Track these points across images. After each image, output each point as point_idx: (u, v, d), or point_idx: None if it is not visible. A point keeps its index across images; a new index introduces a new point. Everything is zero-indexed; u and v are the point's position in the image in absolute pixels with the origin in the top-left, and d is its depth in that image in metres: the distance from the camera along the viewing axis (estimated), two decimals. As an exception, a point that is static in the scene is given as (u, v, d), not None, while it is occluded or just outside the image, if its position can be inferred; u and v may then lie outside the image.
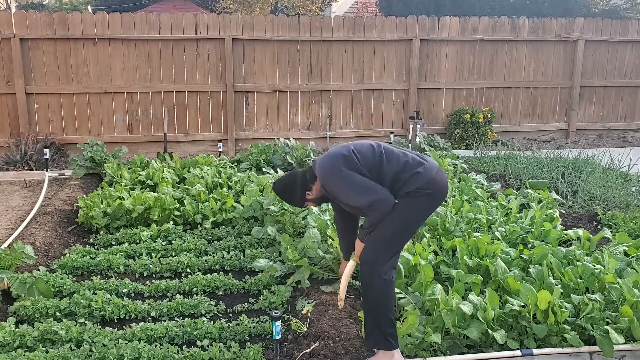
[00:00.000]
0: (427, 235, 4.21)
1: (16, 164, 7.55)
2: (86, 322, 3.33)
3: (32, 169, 7.48)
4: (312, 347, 2.95)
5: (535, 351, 2.96)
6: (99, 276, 4.06)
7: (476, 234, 4.10)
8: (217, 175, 6.30)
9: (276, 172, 6.60)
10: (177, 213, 5.19)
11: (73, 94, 8.10)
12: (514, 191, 5.72)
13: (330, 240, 4.01)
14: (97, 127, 8.25)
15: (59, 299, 3.58)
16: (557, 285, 3.26)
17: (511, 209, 4.97)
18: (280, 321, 2.84)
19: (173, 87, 8.37)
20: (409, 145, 8.12)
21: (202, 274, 3.98)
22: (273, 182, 3.22)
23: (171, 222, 5.08)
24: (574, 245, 4.16)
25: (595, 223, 5.27)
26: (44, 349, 3.00)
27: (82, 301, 3.46)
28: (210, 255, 4.48)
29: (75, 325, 3.21)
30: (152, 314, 3.48)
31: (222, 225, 5.15)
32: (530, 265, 3.62)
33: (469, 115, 8.87)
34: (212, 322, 3.33)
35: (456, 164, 6.88)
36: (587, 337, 3.07)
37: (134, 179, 6.21)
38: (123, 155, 7.39)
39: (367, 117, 9.14)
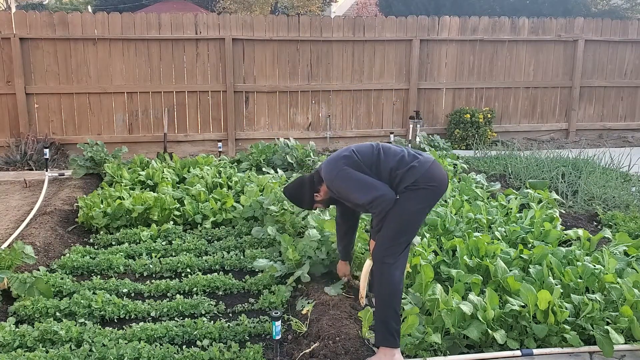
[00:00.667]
0: (427, 235, 4.21)
1: (16, 164, 7.55)
2: (86, 322, 3.33)
3: (32, 169, 7.48)
4: (312, 347, 2.95)
5: (535, 351, 2.96)
6: (99, 276, 4.06)
7: (476, 234, 4.10)
8: (217, 175, 6.30)
9: (276, 172, 6.60)
10: (177, 213, 5.19)
11: (73, 94, 8.10)
12: (514, 191, 5.71)
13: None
14: (97, 127, 8.25)
15: (59, 299, 3.58)
16: (557, 285, 3.25)
17: (511, 209, 4.97)
18: (280, 321, 2.84)
19: (173, 87, 8.37)
20: (409, 145, 8.12)
21: (202, 274, 3.98)
22: (283, 187, 3.42)
23: (171, 222, 5.08)
24: (574, 245, 4.16)
25: (595, 223, 5.27)
26: (44, 349, 3.00)
27: (82, 301, 3.46)
28: (210, 255, 4.48)
29: (75, 325, 3.21)
30: (152, 314, 3.48)
31: (222, 225, 5.15)
32: (530, 265, 3.62)
33: (469, 115, 8.87)
34: (212, 322, 3.33)
35: (456, 164, 6.88)
36: (587, 337, 3.07)
37: (134, 179, 6.21)
38: (123, 155, 7.39)
39: (367, 117, 9.14)
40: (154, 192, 5.64)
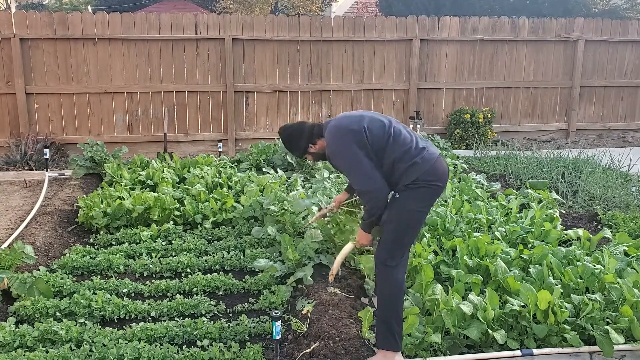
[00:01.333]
0: (427, 235, 4.21)
1: (16, 164, 7.55)
2: (86, 322, 3.33)
3: (32, 169, 7.48)
4: (312, 347, 2.95)
5: (535, 351, 2.96)
6: (99, 276, 4.06)
7: (476, 234, 4.10)
8: (217, 175, 6.30)
9: (276, 172, 6.60)
10: (177, 213, 5.19)
11: (73, 94, 8.09)
12: (514, 191, 5.71)
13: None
14: (97, 127, 8.25)
15: (59, 299, 3.58)
16: (557, 285, 3.26)
17: (511, 209, 4.97)
18: (280, 321, 2.84)
19: (173, 87, 8.37)
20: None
21: (202, 274, 3.98)
22: (282, 127, 3.24)
23: (171, 222, 5.08)
24: (574, 245, 4.16)
25: (595, 223, 5.27)
26: (44, 349, 3.00)
27: (82, 301, 3.46)
28: (210, 255, 4.48)
29: (75, 325, 3.21)
30: (152, 314, 3.48)
31: (222, 225, 5.15)
32: (530, 265, 3.62)
33: (469, 115, 8.87)
34: (212, 322, 3.33)
35: (456, 164, 6.88)
36: (587, 337, 3.07)
37: (134, 179, 6.21)
38: (123, 155, 7.39)
39: (367, 117, 9.12)
40: (154, 192, 5.64)
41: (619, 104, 10.04)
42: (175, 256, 4.41)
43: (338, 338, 2.97)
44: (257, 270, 4.13)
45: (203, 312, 3.54)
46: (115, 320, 3.45)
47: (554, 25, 9.46)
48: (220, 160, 7.20)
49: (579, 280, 3.37)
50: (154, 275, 4.18)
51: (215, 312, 3.57)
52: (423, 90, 9.23)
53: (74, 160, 7.01)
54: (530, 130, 9.75)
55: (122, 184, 6.00)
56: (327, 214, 4.02)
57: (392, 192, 2.89)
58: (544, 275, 3.43)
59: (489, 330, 2.95)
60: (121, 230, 4.92)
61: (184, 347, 3.05)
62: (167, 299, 3.69)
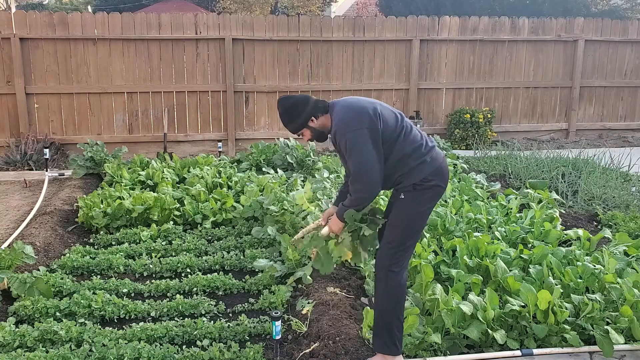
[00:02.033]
0: (427, 235, 4.21)
1: (16, 164, 7.55)
2: (86, 322, 3.33)
3: (32, 169, 7.48)
4: (312, 347, 2.95)
5: (535, 351, 2.96)
6: (99, 276, 4.06)
7: (476, 234, 4.10)
8: (217, 175, 6.30)
9: (276, 172, 6.60)
10: (177, 213, 5.19)
11: (73, 94, 8.10)
12: (514, 191, 5.71)
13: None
14: (97, 127, 8.25)
15: (59, 299, 3.58)
16: (557, 285, 3.26)
17: (511, 209, 4.97)
18: (280, 321, 2.84)
19: (173, 87, 8.37)
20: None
21: (202, 274, 3.98)
22: (283, 96, 2.95)
23: (171, 222, 5.08)
24: (574, 245, 4.16)
25: (595, 223, 5.27)
26: (44, 349, 3.00)
27: (82, 301, 3.46)
28: (210, 255, 4.48)
29: (75, 325, 3.21)
30: (152, 314, 3.48)
31: (222, 225, 5.15)
32: (530, 265, 3.62)
33: (469, 115, 8.88)
34: (212, 322, 3.33)
35: (456, 164, 6.88)
36: (587, 337, 3.07)
37: (134, 179, 6.21)
38: (123, 155, 7.39)
39: (367, 117, 9.11)
40: (154, 192, 5.64)
41: (618, 104, 10.04)
42: (175, 256, 4.41)
43: (338, 338, 2.97)
44: (257, 270, 4.13)
45: (203, 312, 3.54)
46: (115, 320, 3.45)
47: (554, 25, 9.46)
48: (220, 160, 7.20)
49: (579, 280, 3.37)
50: (153, 275, 4.18)
51: (215, 312, 3.57)
52: (423, 90, 9.23)
53: (74, 160, 7.01)
54: (530, 130, 9.76)
55: (122, 184, 6.00)
56: (313, 230, 3.77)
57: (395, 191, 2.82)
58: (544, 275, 3.43)
59: (489, 330, 2.95)
60: (121, 230, 4.92)
61: (184, 347, 3.05)
62: (167, 299, 3.69)
